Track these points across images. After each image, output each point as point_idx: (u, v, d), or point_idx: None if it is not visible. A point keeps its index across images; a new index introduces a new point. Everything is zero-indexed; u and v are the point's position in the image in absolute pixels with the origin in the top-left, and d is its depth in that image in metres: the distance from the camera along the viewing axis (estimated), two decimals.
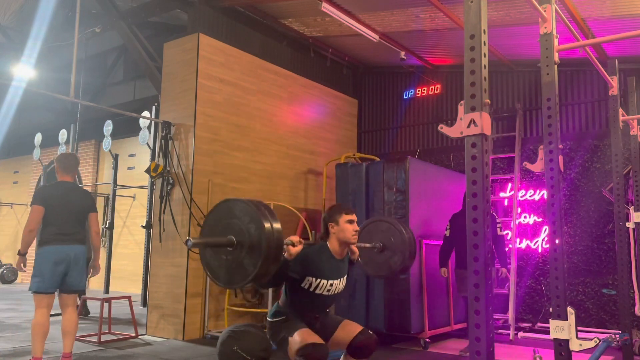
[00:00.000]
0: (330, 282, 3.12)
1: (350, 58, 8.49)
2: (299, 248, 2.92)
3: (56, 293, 4.28)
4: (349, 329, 3.18)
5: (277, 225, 2.56)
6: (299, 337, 2.94)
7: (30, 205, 4.26)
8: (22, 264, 4.30)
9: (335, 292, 3.18)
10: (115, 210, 8.94)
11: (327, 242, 3.19)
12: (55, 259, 4.17)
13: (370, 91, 9.00)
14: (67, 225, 4.27)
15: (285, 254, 2.88)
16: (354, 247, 3.29)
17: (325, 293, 3.12)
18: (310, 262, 3.08)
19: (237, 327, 4.64)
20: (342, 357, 3.23)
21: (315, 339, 2.95)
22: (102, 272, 7.88)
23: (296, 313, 3.12)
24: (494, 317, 4.69)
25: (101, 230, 11.04)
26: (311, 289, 3.08)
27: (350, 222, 3.16)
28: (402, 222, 3.93)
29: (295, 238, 2.95)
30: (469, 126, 2.14)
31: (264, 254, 2.50)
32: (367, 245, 3.75)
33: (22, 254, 4.27)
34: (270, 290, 5.65)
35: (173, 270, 5.95)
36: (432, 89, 8.30)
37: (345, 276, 3.26)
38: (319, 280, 3.08)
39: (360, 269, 3.91)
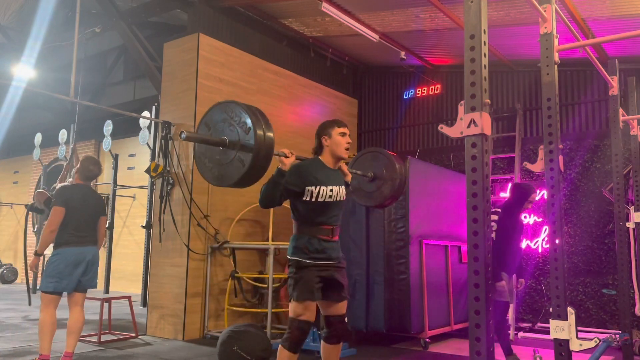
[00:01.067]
0: (330, 187, 3.19)
1: (350, 58, 8.49)
2: (292, 158, 3.07)
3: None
4: (333, 309, 3.25)
5: (269, 133, 2.77)
6: (297, 309, 3.08)
7: (52, 206, 4.30)
8: (35, 265, 4.32)
9: (337, 199, 3.24)
10: (115, 210, 8.95)
11: (320, 157, 3.30)
12: (75, 261, 4.25)
13: (370, 91, 9.00)
14: (84, 227, 4.37)
15: (280, 166, 3.02)
16: (345, 169, 3.38)
17: (328, 200, 3.18)
18: (305, 171, 3.17)
19: (237, 327, 4.66)
20: (321, 344, 3.31)
21: (308, 316, 3.10)
22: (102, 272, 7.89)
23: (311, 233, 3.17)
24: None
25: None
26: (313, 199, 3.14)
27: (343, 134, 3.29)
28: (396, 156, 3.97)
29: (287, 150, 3.08)
30: (469, 126, 2.14)
31: (255, 151, 2.69)
32: (359, 172, 3.83)
33: (40, 254, 4.31)
34: (270, 291, 5.65)
35: (173, 270, 5.95)
36: (432, 89, 8.29)
37: (344, 186, 3.33)
38: (318, 187, 3.15)
39: (350, 196, 3.97)
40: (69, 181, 6.15)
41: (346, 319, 3.31)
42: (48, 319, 4.16)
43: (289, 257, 3.24)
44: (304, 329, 3.09)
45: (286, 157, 3.05)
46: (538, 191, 7.01)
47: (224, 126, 2.86)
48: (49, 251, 4.37)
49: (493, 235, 4.76)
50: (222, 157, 2.85)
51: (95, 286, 4.48)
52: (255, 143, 2.73)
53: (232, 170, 2.83)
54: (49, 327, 4.16)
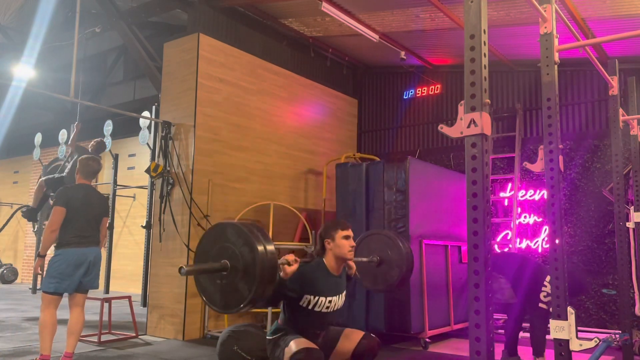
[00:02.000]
0: (329, 299, 3.09)
1: (350, 58, 8.49)
2: (294, 267, 2.91)
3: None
4: (352, 337, 3.16)
5: (270, 247, 2.54)
6: (294, 345, 2.90)
7: (53, 207, 4.28)
8: (39, 267, 4.31)
9: (335, 308, 3.15)
10: (115, 210, 8.95)
11: (324, 259, 3.16)
12: (77, 261, 4.24)
13: (370, 91, 9.00)
14: (86, 228, 4.35)
15: (281, 274, 2.87)
16: (350, 262, 3.27)
17: (324, 310, 3.08)
18: (307, 280, 3.03)
19: (237, 327, 4.65)
20: None
21: (311, 345, 2.92)
22: (102, 272, 7.88)
23: (296, 332, 3.06)
24: (494, 317, 4.68)
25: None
26: (310, 307, 3.04)
27: (347, 237, 3.14)
28: (399, 236, 3.92)
29: (290, 257, 2.93)
30: (469, 126, 2.14)
31: (258, 276, 2.47)
32: (364, 259, 3.72)
33: (43, 255, 4.29)
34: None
35: (173, 270, 5.94)
36: (432, 89, 8.29)
37: (344, 292, 3.23)
38: (317, 297, 3.04)
39: (359, 283, 3.89)
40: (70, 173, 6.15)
41: (371, 335, 3.18)
42: (48, 319, 4.16)
43: (268, 339, 3.11)
44: (311, 355, 2.85)
45: (289, 265, 2.91)
46: (539, 191, 7.02)
47: (221, 250, 2.63)
48: (50, 251, 4.37)
49: None
50: (222, 281, 2.61)
51: (97, 287, 4.48)
52: (259, 260, 2.52)
53: (238, 295, 2.58)
54: (50, 328, 4.15)
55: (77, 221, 4.29)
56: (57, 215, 4.22)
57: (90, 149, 6.68)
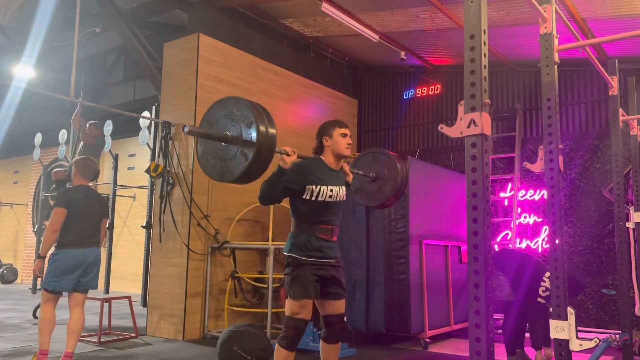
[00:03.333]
0: (330, 187, 3.20)
1: (350, 58, 8.49)
2: (293, 157, 3.08)
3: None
4: (335, 306, 3.26)
5: (272, 130, 2.78)
6: (297, 307, 3.09)
7: (54, 207, 4.32)
8: (39, 269, 4.35)
9: (337, 199, 3.25)
10: (115, 210, 8.94)
11: (322, 156, 3.31)
12: (75, 262, 4.28)
13: (370, 91, 9.00)
14: (86, 229, 4.39)
15: (281, 163, 3.03)
16: (347, 169, 3.40)
17: (328, 199, 3.19)
18: (306, 170, 3.18)
19: (237, 327, 4.66)
20: (320, 344, 3.32)
21: (304, 314, 3.10)
22: (102, 272, 7.87)
23: (309, 231, 3.17)
24: (494, 317, 4.68)
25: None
26: (313, 198, 3.15)
27: (344, 135, 3.29)
28: (397, 156, 3.96)
29: (289, 148, 3.09)
30: (469, 126, 2.14)
31: (257, 146, 2.69)
32: (360, 172, 3.82)
33: (43, 256, 4.33)
34: (270, 291, 5.65)
35: (173, 270, 5.95)
36: (432, 89, 8.29)
37: (344, 186, 3.33)
38: (318, 187, 3.16)
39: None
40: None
41: (345, 319, 3.31)
42: (47, 314, 4.23)
43: (285, 254, 3.24)
44: (300, 327, 3.10)
45: (288, 155, 3.07)
46: (539, 191, 7.02)
47: (226, 122, 2.88)
48: (51, 250, 4.39)
49: None
50: (224, 153, 2.86)
51: (96, 287, 4.50)
52: (258, 139, 2.74)
53: (234, 165, 2.84)
54: (48, 323, 4.22)
55: (77, 222, 4.33)
56: (58, 216, 4.26)
57: (88, 130, 6.76)
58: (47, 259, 4.36)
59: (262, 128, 2.75)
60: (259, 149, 2.74)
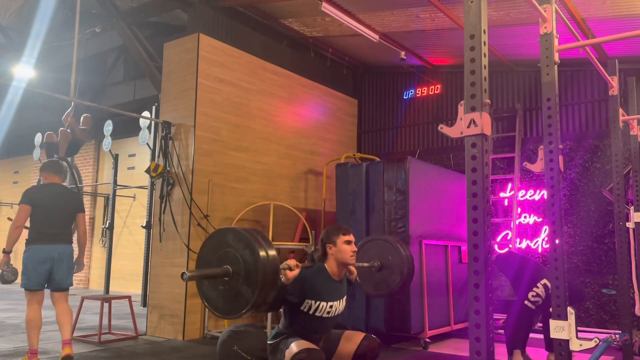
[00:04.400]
0: (330, 303, 3.10)
1: (350, 58, 8.49)
2: (296, 272, 2.93)
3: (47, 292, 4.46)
4: (353, 339, 3.17)
5: (272, 252, 2.55)
6: (296, 346, 2.92)
7: (19, 205, 4.45)
8: (4, 263, 4.47)
9: (336, 313, 3.15)
10: (115, 210, 8.94)
11: (325, 264, 3.16)
12: (40, 258, 4.36)
13: (370, 91, 9.00)
14: (54, 226, 4.45)
15: (283, 279, 2.88)
16: (351, 267, 3.27)
17: (325, 315, 3.09)
18: (308, 285, 3.05)
19: (237, 327, 4.64)
20: None
21: (312, 346, 2.94)
22: (102, 272, 7.88)
23: (297, 335, 3.07)
24: (494, 317, 4.68)
25: (102, 230, 11.08)
26: (311, 312, 3.05)
27: (348, 242, 3.15)
28: (399, 241, 3.92)
29: (292, 262, 2.95)
30: (469, 126, 2.14)
31: (260, 281, 2.48)
32: (365, 264, 3.73)
33: (7, 251, 4.45)
34: None
35: (173, 270, 5.94)
36: (432, 89, 8.29)
37: (345, 297, 3.24)
38: (318, 302, 3.05)
39: (359, 287, 3.90)
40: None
41: (373, 337, 3.19)
42: (31, 314, 4.30)
43: (269, 343, 3.13)
44: (312, 355, 2.87)
45: (290, 270, 2.93)
46: (539, 191, 7.02)
47: (223, 255, 2.64)
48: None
49: None
50: (225, 287, 2.62)
51: (69, 285, 4.55)
52: (261, 265, 2.52)
53: (240, 300, 2.59)
54: (33, 323, 4.29)
55: (43, 219, 4.42)
56: (21, 213, 4.40)
57: (82, 125, 6.73)
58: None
59: (262, 253, 2.53)
60: (264, 272, 2.52)
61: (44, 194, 4.50)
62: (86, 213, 12.74)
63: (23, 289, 4.39)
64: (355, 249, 3.19)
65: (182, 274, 2.48)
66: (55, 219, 4.46)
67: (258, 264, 2.49)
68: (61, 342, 4.35)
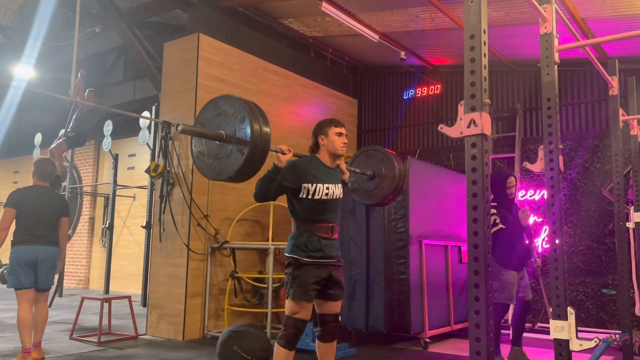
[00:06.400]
0: (326, 185, 3.20)
1: (350, 58, 8.49)
2: (289, 156, 3.08)
3: None
4: (332, 307, 3.28)
5: (265, 128, 2.78)
6: (293, 307, 3.11)
7: (4, 207, 4.52)
8: None
9: (334, 196, 3.25)
10: (115, 210, 8.94)
11: (317, 155, 3.30)
12: (26, 258, 4.45)
13: (370, 91, 9.00)
14: (38, 228, 4.54)
15: (276, 162, 3.03)
16: (343, 168, 3.39)
17: (324, 197, 3.19)
18: (302, 168, 3.18)
19: (237, 327, 4.66)
20: (316, 343, 3.34)
21: (303, 314, 3.11)
22: (102, 272, 7.89)
23: (309, 231, 3.17)
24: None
25: (102, 230, 11.08)
26: (309, 196, 3.16)
27: (339, 134, 3.29)
28: (395, 155, 3.96)
29: (284, 146, 3.09)
30: (469, 126, 2.14)
31: (251, 143, 2.68)
32: (357, 170, 3.81)
33: None
34: (270, 291, 5.65)
35: (173, 270, 5.95)
36: (432, 89, 8.30)
37: (340, 184, 3.33)
38: (314, 185, 3.16)
39: (350, 195, 3.95)
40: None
41: (340, 318, 3.33)
42: (22, 314, 4.42)
43: (286, 255, 3.24)
44: (299, 327, 3.13)
45: (283, 153, 3.07)
46: (539, 191, 7.02)
47: (219, 121, 2.87)
48: None
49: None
50: (219, 151, 2.86)
51: (50, 285, 4.66)
52: (252, 135, 2.74)
53: (230, 163, 2.84)
54: (25, 323, 4.42)
55: (27, 221, 4.51)
56: (6, 216, 4.50)
57: (87, 97, 6.84)
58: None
59: (255, 125, 2.76)
60: (254, 145, 2.75)
61: (29, 197, 4.57)
62: (86, 213, 12.75)
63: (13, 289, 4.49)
64: (346, 141, 3.32)
65: (177, 125, 2.65)
66: (40, 222, 4.55)
67: (252, 132, 2.73)
68: (32, 344, 4.47)
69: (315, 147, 3.32)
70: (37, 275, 4.50)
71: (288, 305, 3.15)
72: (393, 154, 3.93)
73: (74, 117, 6.91)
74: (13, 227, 4.58)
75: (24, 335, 4.40)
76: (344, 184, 3.42)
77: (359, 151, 4.08)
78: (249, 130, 2.76)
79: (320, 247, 3.17)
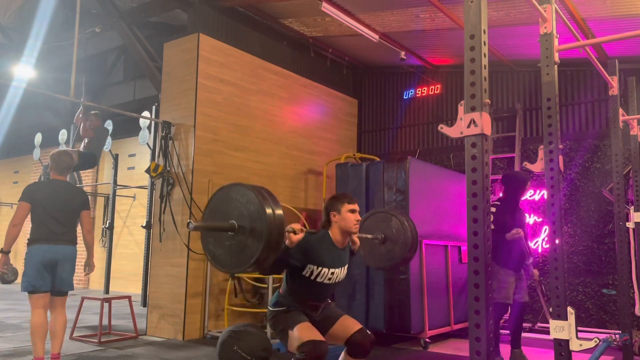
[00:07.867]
0: (332, 270, 3.12)
1: (350, 58, 8.49)
2: (300, 236, 2.94)
3: None
4: (348, 325, 3.20)
5: (278, 211, 2.56)
6: (299, 333, 2.93)
7: (18, 202, 4.18)
8: (3, 264, 4.12)
9: (337, 280, 3.18)
10: (115, 210, 8.94)
11: (329, 231, 3.19)
12: (42, 259, 4.07)
13: (370, 91, 9.00)
14: (56, 225, 4.16)
15: (287, 242, 2.90)
16: (355, 238, 3.29)
17: (326, 282, 3.11)
18: (311, 250, 3.07)
19: (237, 327, 4.64)
20: (342, 354, 3.22)
21: (315, 335, 2.94)
22: (102, 272, 7.88)
23: (297, 302, 3.12)
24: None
25: (102, 230, 11.07)
26: (312, 277, 3.07)
27: (352, 211, 3.16)
28: (404, 214, 3.91)
29: (297, 226, 2.96)
30: (469, 126, 2.14)
31: (265, 237, 2.49)
32: (369, 236, 3.74)
33: (6, 251, 4.14)
34: (269, 290, 5.64)
35: (173, 270, 5.95)
36: (432, 89, 8.30)
37: (347, 265, 3.27)
38: (320, 268, 3.07)
39: (362, 260, 3.91)
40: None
41: (367, 332, 3.19)
42: (35, 320, 4.03)
43: (269, 309, 3.17)
44: (317, 346, 2.86)
45: (295, 233, 2.92)
46: (539, 191, 7.03)
47: (230, 208, 2.65)
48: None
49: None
50: (231, 242, 2.64)
51: (69, 288, 4.27)
52: (267, 223, 2.52)
53: (246, 254, 2.60)
54: (39, 330, 4.02)
55: (44, 217, 4.13)
56: (19, 211, 4.11)
57: (89, 123, 6.76)
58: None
59: (269, 211, 2.53)
60: (269, 233, 2.52)
61: (45, 191, 4.21)
62: None
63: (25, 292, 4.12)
64: (359, 218, 3.21)
65: (188, 223, 2.51)
66: (57, 218, 4.17)
67: (264, 221, 2.51)
68: (50, 356, 4.11)
69: (327, 223, 3.20)
70: (55, 278, 4.12)
71: (290, 339, 2.96)
72: (403, 215, 3.82)
73: (82, 145, 6.74)
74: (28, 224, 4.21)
75: (36, 344, 3.99)
76: (353, 254, 3.33)
77: (368, 213, 3.92)
78: (262, 216, 2.53)
79: (306, 314, 3.12)
